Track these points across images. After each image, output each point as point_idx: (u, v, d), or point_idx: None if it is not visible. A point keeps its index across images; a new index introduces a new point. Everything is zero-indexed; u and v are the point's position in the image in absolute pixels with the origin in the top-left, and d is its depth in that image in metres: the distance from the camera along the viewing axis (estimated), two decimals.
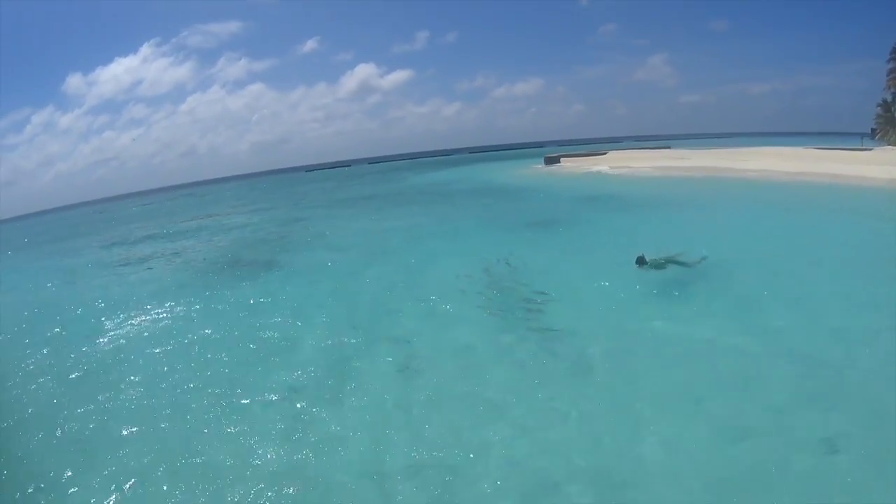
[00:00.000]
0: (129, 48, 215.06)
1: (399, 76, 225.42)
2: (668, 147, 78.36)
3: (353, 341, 11.21)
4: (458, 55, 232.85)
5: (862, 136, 57.94)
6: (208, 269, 20.95)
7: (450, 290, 13.91)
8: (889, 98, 54.43)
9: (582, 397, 8.14)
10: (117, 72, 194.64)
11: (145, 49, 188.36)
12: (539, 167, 63.29)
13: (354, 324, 12.21)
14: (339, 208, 41.35)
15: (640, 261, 13.10)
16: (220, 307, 14.83)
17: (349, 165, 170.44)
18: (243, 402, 8.95)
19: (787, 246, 16.02)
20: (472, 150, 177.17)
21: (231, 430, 8.12)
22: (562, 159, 65.99)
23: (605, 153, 68.32)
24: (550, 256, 16.91)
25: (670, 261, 13.29)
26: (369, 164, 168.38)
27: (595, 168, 52.32)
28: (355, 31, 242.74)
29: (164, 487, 6.85)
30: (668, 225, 21.19)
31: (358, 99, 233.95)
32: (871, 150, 48.09)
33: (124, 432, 8.41)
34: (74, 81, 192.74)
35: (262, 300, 15.11)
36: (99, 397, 9.77)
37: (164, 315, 14.74)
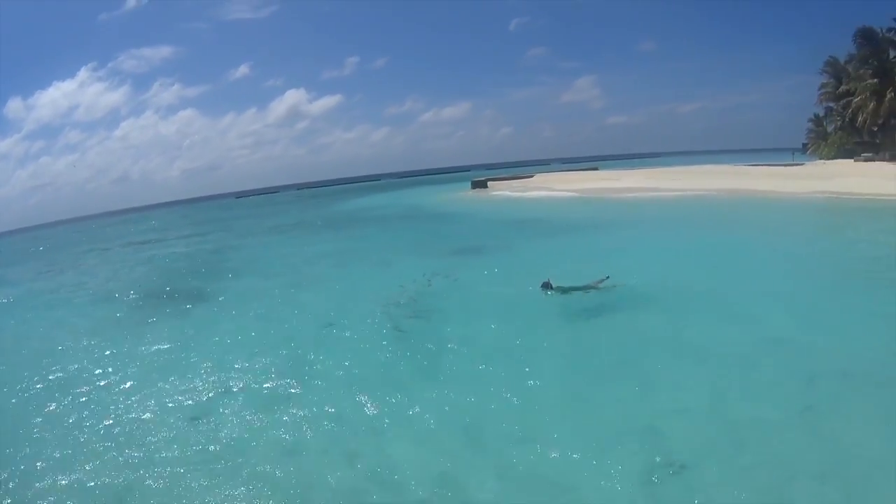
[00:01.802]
0: (68, 72, 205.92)
1: (328, 102, 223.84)
2: (596, 168, 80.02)
3: (274, 371, 11.03)
4: (387, 80, 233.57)
5: (793, 151, 60.18)
6: (137, 301, 20.28)
7: (365, 319, 14.01)
8: (820, 112, 57.11)
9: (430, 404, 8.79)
10: (55, 96, 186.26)
11: (83, 73, 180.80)
12: (466, 191, 63.04)
13: (277, 354, 12.06)
14: (269, 235, 40.78)
15: (546, 286, 13.47)
16: (145, 346, 13.97)
17: (277, 192, 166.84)
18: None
19: (700, 267, 16.34)
20: (399, 175, 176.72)
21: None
22: (489, 183, 65.93)
23: (531, 176, 69.06)
24: (469, 281, 17.12)
25: (574, 288, 13.51)
26: (298, 189, 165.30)
27: (522, 191, 52.58)
28: (286, 57, 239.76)
29: None
30: (588, 248, 21.39)
31: (287, 125, 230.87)
32: (802, 164, 50.56)
33: None
34: (14, 105, 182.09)
35: (191, 334, 14.69)
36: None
37: (86, 355, 13.81)
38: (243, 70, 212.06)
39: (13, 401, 11.31)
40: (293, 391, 9.88)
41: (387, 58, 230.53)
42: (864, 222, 22.40)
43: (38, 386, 11.95)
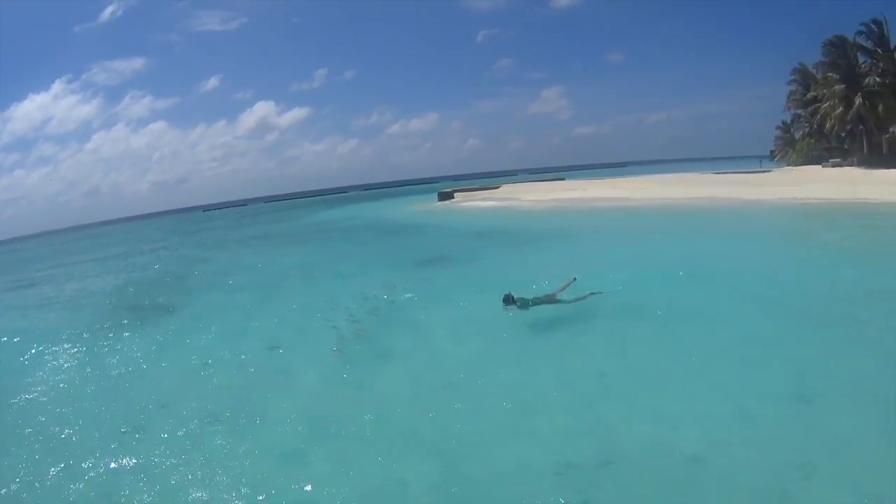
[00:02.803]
0: (43, 84, 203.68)
1: (297, 114, 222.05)
2: (563, 179, 79.48)
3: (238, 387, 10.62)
4: (355, 92, 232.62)
5: (761, 158, 60.16)
6: (107, 313, 19.90)
7: (313, 338, 13.47)
8: (788, 119, 57.80)
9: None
10: (30, 108, 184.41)
11: (57, 85, 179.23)
12: (433, 203, 62.00)
13: (218, 377, 11.51)
14: (236, 248, 40.43)
15: (507, 299, 12.54)
16: (111, 358, 13.74)
17: (246, 204, 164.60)
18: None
19: (662, 275, 15.74)
20: (366, 188, 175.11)
21: None
22: (456, 194, 64.78)
23: (498, 187, 68.35)
24: (431, 294, 16.58)
25: (537, 300, 12.64)
26: (266, 202, 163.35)
27: (488, 202, 51.86)
28: (256, 69, 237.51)
29: None
30: (553, 258, 20.82)
31: (256, 137, 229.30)
32: (770, 171, 50.19)
33: None
34: None
35: (158, 345, 14.46)
36: None
37: (52, 364, 13.73)
38: (213, 82, 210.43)
39: None
40: (222, 419, 9.10)
41: (355, 70, 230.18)
42: (831, 226, 22.37)
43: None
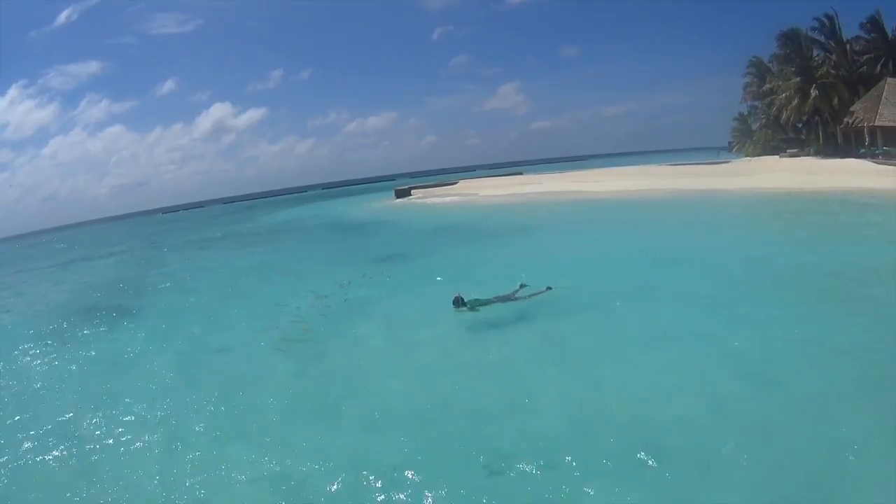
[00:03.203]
0: None
1: (253, 115, 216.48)
2: (521, 173, 78.92)
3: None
4: (312, 92, 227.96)
5: (719, 149, 60.40)
6: (61, 318, 19.41)
7: (256, 342, 13.14)
8: (745, 111, 58.07)
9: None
10: None
11: (13, 91, 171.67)
12: (390, 200, 60.95)
13: (160, 382, 11.08)
14: (194, 251, 39.77)
15: (457, 301, 12.33)
16: (60, 362, 13.64)
17: (204, 206, 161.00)
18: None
19: (625, 274, 15.17)
20: (324, 186, 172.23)
21: None
22: (412, 191, 63.54)
23: (455, 183, 67.23)
24: (382, 293, 16.56)
25: (486, 302, 12.36)
26: (224, 204, 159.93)
27: (446, 198, 51.07)
28: (212, 71, 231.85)
29: None
30: (508, 253, 20.87)
31: (213, 139, 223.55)
32: (728, 162, 50.66)
33: None
34: None
35: (111, 351, 14.12)
36: None
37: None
38: (170, 85, 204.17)
39: None
40: (155, 418, 9.16)
41: (311, 69, 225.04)
42: (780, 214, 23.32)
43: None
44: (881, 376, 7.41)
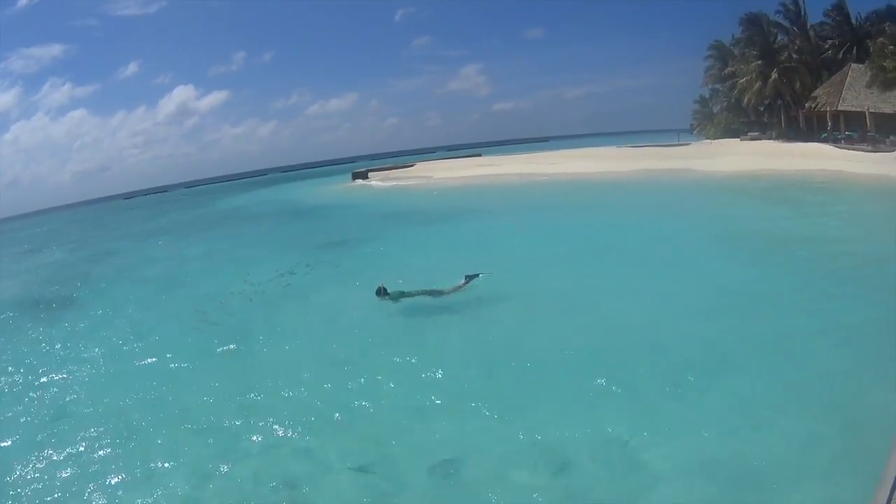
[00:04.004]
0: None
1: (216, 97, 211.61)
2: (480, 155, 77.97)
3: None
4: (274, 74, 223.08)
5: (679, 131, 60.01)
6: (6, 308, 20.24)
7: (184, 334, 13.31)
8: (706, 94, 57.43)
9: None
10: None
11: None
12: (347, 183, 59.77)
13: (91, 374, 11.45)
14: (147, 238, 39.50)
15: (380, 292, 12.41)
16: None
17: (167, 191, 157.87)
18: None
19: (557, 254, 15.89)
20: (284, 170, 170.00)
21: None
22: (370, 174, 61.99)
23: (413, 165, 66.09)
24: (315, 281, 16.92)
25: (410, 294, 12.35)
26: (186, 188, 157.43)
27: (400, 182, 50.21)
28: (174, 53, 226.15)
29: None
30: (453, 238, 21.06)
31: (176, 122, 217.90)
32: (688, 144, 50.46)
33: None
34: None
35: (54, 343, 14.29)
36: None
37: None
38: (133, 68, 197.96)
39: None
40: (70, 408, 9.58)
41: (273, 52, 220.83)
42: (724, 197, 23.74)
43: None
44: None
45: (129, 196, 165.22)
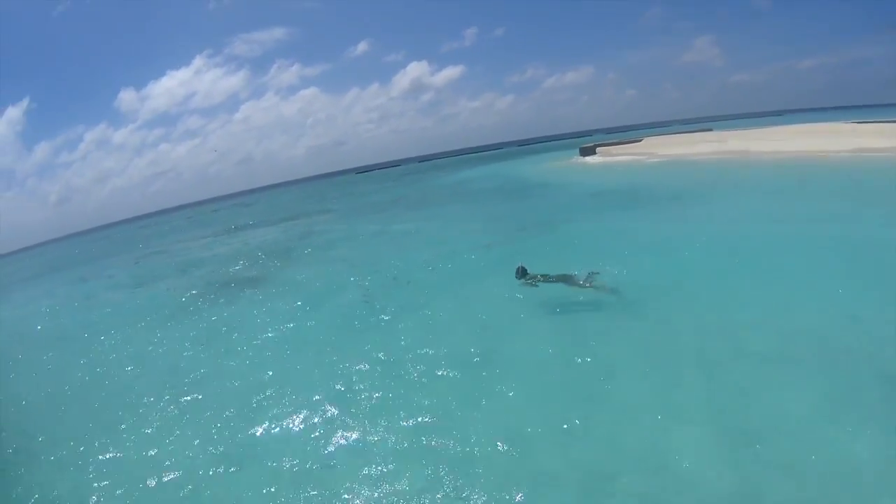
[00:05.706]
0: (182, 61, 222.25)
1: (450, 73, 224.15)
2: (710, 129, 73.55)
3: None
4: (506, 49, 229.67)
5: None
6: (204, 286, 22.18)
7: (350, 307, 14.76)
8: None
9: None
10: (170, 85, 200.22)
11: (198, 61, 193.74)
12: (574, 158, 60.32)
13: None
14: (359, 216, 41.95)
15: (519, 272, 12.40)
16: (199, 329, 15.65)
17: (399, 165, 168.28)
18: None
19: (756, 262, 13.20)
20: (521, 143, 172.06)
21: None
22: (598, 149, 61.71)
23: (640, 140, 64.35)
24: (489, 265, 16.89)
25: (548, 279, 12.01)
26: (419, 162, 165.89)
27: (621, 157, 49.88)
28: (404, 32, 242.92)
29: None
30: (649, 227, 19.06)
31: (411, 97, 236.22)
32: None
33: None
34: (127, 97, 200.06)
35: (232, 316, 16.35)
36: None
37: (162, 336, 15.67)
38: (363, 47, 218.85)
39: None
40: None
41: (505, 27, 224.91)
42: None
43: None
44: None
45: (362, 170, 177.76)
